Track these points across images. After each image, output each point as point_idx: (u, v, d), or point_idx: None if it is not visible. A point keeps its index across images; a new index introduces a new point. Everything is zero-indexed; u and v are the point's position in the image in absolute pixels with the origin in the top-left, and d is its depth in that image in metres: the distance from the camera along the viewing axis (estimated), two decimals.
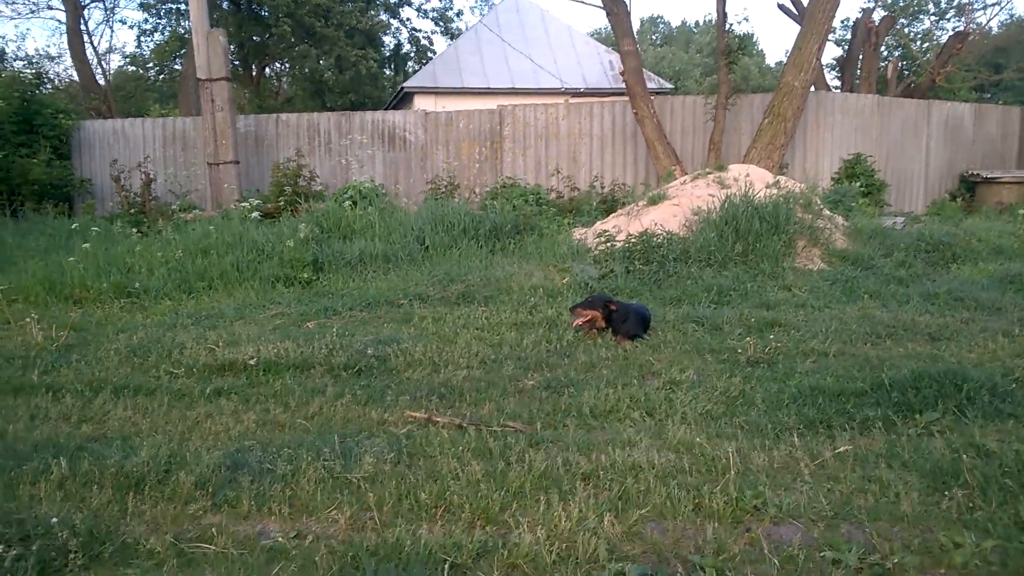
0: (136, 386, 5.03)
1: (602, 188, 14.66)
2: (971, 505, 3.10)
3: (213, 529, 3.01)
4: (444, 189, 14.53)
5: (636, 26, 58.19)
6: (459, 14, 36.48)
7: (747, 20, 56.60)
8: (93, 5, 27.73)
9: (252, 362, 5.20)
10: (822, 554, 2.76)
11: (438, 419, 4.19)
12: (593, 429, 4.11)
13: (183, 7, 25.75)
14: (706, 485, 3.24)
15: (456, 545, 2.81)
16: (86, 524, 2.99)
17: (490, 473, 3.39)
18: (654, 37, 62.88)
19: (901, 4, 31.66)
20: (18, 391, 5.01)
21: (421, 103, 21.29)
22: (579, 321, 6.16)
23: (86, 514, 3.11)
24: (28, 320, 6.53)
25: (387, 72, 35.91)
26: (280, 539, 2.94)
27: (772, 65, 44.97)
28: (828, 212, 10.36)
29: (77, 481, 3.43)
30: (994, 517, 3.00)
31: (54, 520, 2.93)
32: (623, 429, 4.03)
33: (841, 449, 3.62)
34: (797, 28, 14.49)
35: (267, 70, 34.19)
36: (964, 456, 3.43)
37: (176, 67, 29.52)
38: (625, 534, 2.92)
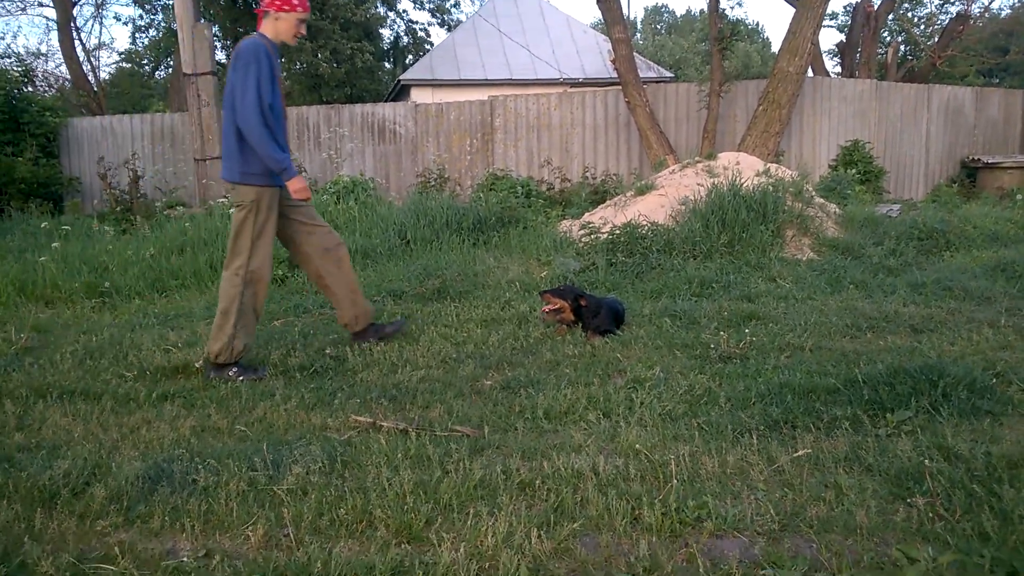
0: (82, 390, 4.84)
1: (594, 179, 14.41)
2: (932, 514, 2.88)
3: (119, 548, 2.81)
4: (434, 182, 14.34)
5: (640, 15, 57.78)
6: (456, 5, 36.10)
7: (740, 5, 55.68)
8: (83, 1, 27.49)
9: (198, 365, 5.01)
10: (763, 571, 2.55)
11: (383, 424, 3.99)
12: (545, 432, 3.89)
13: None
14: (649, 494, 3.03)
15: (369, 566, 2.60)
16: None
17: (422, 484, 3.19)
18: (658, 27, 62.41)
19: None
20: None
21: (418, 96, 21.08)
22: (546, 308, 5.96)
23: None
24: None
25: (387, 65, 35.68)
26: (186, 558, 2.75)
27: (776, 53, 44.47)
28: (821, 200, 10.10)
29: None
30: (955, 528, 2.78)
31: None
32: (575, 433, 3.82)
33: (799, 453, 3.40)
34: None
35: None
36: (928, 460, 3.21)
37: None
38: (554, 551, 2.70)
